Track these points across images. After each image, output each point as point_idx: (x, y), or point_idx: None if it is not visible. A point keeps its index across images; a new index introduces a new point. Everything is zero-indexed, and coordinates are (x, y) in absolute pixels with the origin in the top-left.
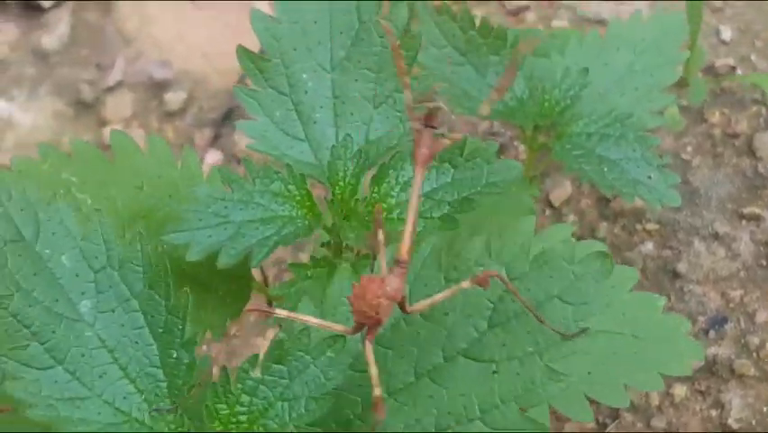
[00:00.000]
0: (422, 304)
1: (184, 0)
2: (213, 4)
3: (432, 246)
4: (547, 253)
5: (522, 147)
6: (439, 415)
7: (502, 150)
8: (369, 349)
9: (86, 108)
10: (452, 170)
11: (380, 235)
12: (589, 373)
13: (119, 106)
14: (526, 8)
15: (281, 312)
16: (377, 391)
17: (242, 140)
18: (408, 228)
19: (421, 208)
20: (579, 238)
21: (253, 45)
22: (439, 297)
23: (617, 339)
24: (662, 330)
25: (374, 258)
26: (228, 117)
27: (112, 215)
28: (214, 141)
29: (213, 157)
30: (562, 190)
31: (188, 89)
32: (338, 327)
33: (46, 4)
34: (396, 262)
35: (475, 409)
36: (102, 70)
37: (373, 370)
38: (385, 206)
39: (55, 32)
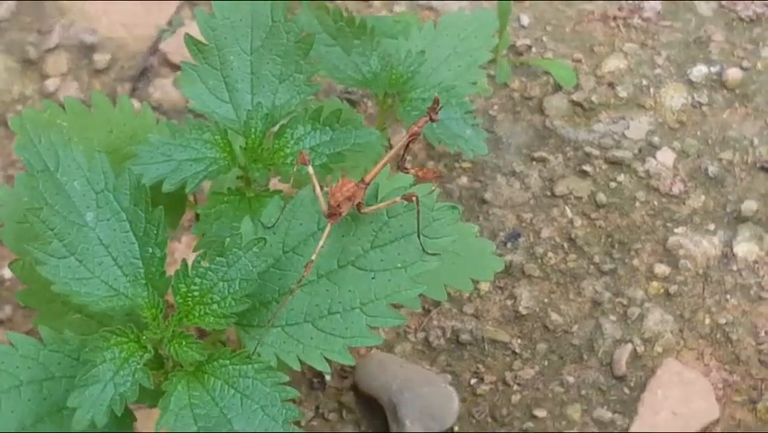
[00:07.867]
0: (370, 208)
1: None
2: None
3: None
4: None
5: (369, 102)
6: (332, 303)
7: (354, 104)
8: (327, 229)
9: (31, 65)
10: (331, 132)
11: (311, 169)
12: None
13: (57, 64)
14: None
15: (310, 170)
16: (313, 258)
17: (155, 92)
18: (379, 165)
19: (310, 157)
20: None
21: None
22: (382, 205)
23: (444, 256)
24: (475, 249)
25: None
26: (143, 75)
27: (90, 151)
28: (133, 92)
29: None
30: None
31: (112, 52)
32: (322, 206)
33: None
34: (362, 180)
35: (357, 302)
36: (42, 35)
37: (321, 242)
38: (282, 154)
39: (3, 4)
